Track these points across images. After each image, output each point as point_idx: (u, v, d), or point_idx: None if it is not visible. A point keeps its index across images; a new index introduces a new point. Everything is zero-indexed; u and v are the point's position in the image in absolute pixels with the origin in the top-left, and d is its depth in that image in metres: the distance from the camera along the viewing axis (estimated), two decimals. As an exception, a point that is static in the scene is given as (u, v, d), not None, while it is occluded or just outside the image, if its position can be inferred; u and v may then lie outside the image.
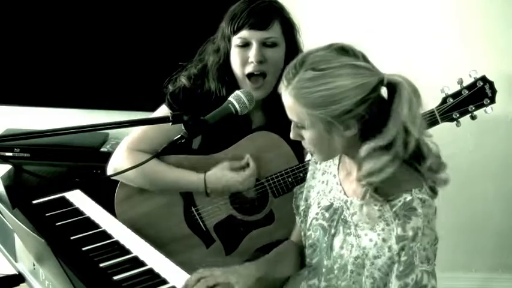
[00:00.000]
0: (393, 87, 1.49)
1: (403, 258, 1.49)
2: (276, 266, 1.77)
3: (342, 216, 1.62)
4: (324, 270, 1.67)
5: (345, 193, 1.64)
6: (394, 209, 1.50)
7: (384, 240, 1.52)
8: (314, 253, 1.71)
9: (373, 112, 1.48)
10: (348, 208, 1.61)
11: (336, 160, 1.71)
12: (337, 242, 1.62)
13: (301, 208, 1.80)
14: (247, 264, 1.74)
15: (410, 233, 1.48)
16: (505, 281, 3.16)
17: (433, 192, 1.56)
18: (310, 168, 1.81)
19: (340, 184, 1.66)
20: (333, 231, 1.64)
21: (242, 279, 1.64)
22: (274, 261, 1.78)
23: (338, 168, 1.70)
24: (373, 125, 1.49)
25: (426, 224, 1.48)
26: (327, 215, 1.66)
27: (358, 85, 1.45)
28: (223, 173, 2.01)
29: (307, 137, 1.54)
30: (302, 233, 1.79)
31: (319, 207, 1.69)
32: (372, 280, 1.55)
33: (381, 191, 1.51)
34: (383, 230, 1.53)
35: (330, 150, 1.57)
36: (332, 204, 1.66)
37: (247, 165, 2.02)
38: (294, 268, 1.82)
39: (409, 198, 1.50)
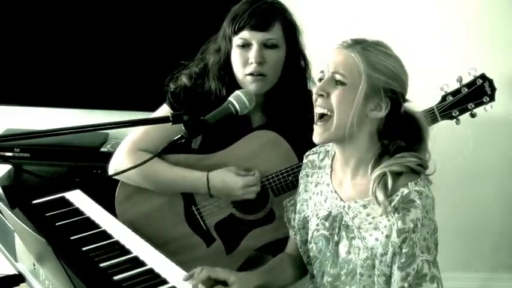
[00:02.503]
0: (413, 117, 1.61)
1: (404, 250, 1.51)
2: (272, 276, 1.79)
3: (343, 222, 1.63)
4: (330, 279, 1.67)
5: (341, 199, 1.66)
6: (393, 204, 1.53)
7: (387, 236, 1.54)
8: (315, 265, 1.72)
9: (397, 117, 1.59)
10: (347, 213, 1.63)
11: (328, 169, 1.73)
12: (342, 248, 1.63)
13: (295, 221, 1.81)
14: (246, 272, 1.79)
15: (411, 225, 1.50)
16: (505, 281, 3.17)
17: (427, 180, 1.60)
18: (301, 182, 1.82)
19: (336, 192, 1.68)
20: (336, 238, 1.65)
21: (241, 283, 1.67)
22: (271, 272, 1.80)
23: (331, 177, 1.71)
24: (391, 133, 1.60)
25: (425, 215, 1.51)
26: (327, 224, 1.67)
27: (407, 80, 1.60)
28: (227, 175, 2.01)
29: (339, 94, 1.56)
30: (299, 245, 1.80)
31: (318, 218, 1.70)
32: (384, 278, 1.57)
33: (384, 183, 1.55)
34: (385, 226, 1.54)
35: (344, 122, 1.56)
36: (330, 212, 1.67)
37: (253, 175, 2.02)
38: (291, 279, 1.84)
39: (406, 191, 1.53)
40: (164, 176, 2.04)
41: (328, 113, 1.58)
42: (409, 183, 1.54)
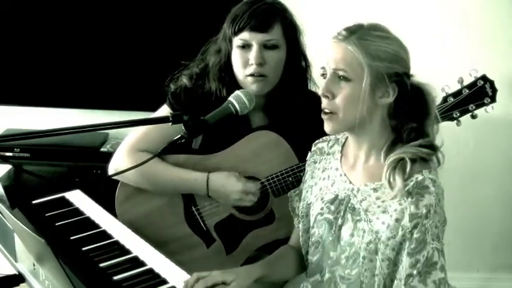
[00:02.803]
0: (419, 89, 1.61)
1: (415, 236, 1.52)
2: (275, 268, 1.78)
3: (349, 205, 1.64)
4: (329, 262, 1.68)
5: (350, 182, 1.66)
6: (406, 188, 1.54)
7: (397, 220, 1.54)
8: (316, 250, 1.72)
9: (405, 96, 1.59)
10: (355, 196, 1.63)
11: (338, 155, 1.73)
12: (346, 231, 1.64)
13: (300, 209, 1.81)
14: (246, 265, 1.77)
15: (424, 211, 1.51)
16: (506, 281, 3.16)
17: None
18: (308, 169, 1.82)
19: (345, 175, 1.68)
20: (339, 222, 1.65)
21: (240, 278, 1.65)
22: (273, 263, 1.79)
23: (341, 162, 1.72)
24: (402, 114, 1.61)
25: (437, 203, 1.53)
26: (332, 207, 1.67)
27: (408, 57, 1.61)
28: (228, 178, 2.01)
29: (345, 92, 1.57)
30: (301, 233, 1.79)
31: (323, 202, 1.70)
32: (387, 262, 1.57)
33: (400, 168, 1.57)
34: (395, 210, 1.55)
35: (352, 116, 1.58)
36: (337, 196, 1.67)
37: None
38: (293, 271, 1.83)
39: (420, 177, 1.55)
40: (163, 176, 2.04)
41: (339, 110, 1.59)
42: (423, 171, 1.56)
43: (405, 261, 1.53)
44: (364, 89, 1.55)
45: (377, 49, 1.56)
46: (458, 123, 2.01)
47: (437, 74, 2.52)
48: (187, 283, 1.60)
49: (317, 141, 1.84)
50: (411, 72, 1.63)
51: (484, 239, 3.14)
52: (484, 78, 2.00)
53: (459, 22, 2.89)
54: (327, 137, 1.81)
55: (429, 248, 1.52)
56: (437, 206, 1.53)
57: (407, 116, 1.61)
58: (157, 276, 1.65)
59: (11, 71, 3.04)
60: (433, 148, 1.60)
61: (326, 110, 1.61)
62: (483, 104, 2.00)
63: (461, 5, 2.88)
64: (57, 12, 2.96)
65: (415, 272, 1.52)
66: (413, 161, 1.56)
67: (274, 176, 2.02)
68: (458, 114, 2.00)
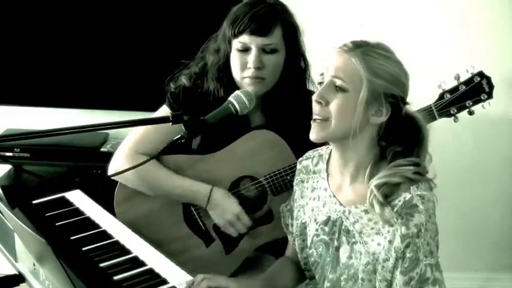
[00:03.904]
0: (412, 118, 1.60)
1: (408, 255, 1.51)
2: (276, 281, 1.78)
3: (343, 227, 1.62)
4: (328, 284, 1.67)
5: (340, 204, 1.65)
6: (395, 209, 1.52)
7: (390, 242, 1.53)
8: (315, 270, 1.72)
9: (397, 121, 1.58)
10: (348, 218, 1.62)
11: (324, 174, 1.72)
12: (343, 253, 1.63)
13: (293, 227, 1.81)
14: (247, 280, 1.82)
15: (414, 230, 1.50)
16: (505, 281, 3.16)
17: (429, 183, 1.59)
18: (296, 188, 1.81)
19: (334, 196, 1.67)
20: (336, 243, 1.64)
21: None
22: (274, 277, 1.80)
23: (328, 182, 1.70)
24: (391, 136, 1.59)
25: (428, 219, 1.51)
26: (326, 229, 1.66)
27: (408, 84, 1.59)
28: (229, 197, 2.02)
29: (339, 101, 1.55)
30: (297, 250, 1.79)
31: (317, 223, 1.69)
32: (385, 283, 1.56)
33: (382, 193, 1.54)
34: (388, 232, 1.54)
35: (343, 127, 1.55)
36: (329, 217, 1.66)
37: None
38: (293, 282, 1.84)
39: (408, 196, 1.52)
40: (165, 183, 2.03)
41: (330, 118, 1.57)
42: (411, 188, 1.53)
43: (398, 279, 1.53)
44: (360, 102, 1.53)
45: (379, 67, 1.54)
46: (456, 120, 2.01)
47: (434, 70, 2.54)
48: (192, 282, 1.61)
49: (300, 158, 1.82)
50: (408, 97, 1.62)
51: (484, 239, 3.14)
52: (480, 74, 2.00)
53: (457, 20, 2.89)
54: (309, 153, 1.79)
55: (422, 265, 1.51)
56: (428, 223, 1.51)
57: (396, 140, 1.59)
58: (158, 276, 1.65)
59: (11, 71, 3.04)
60: (420, 168, 1.57)
61: (317, 117, 1.58)
62: (480, 100, 2.00)
63: (460, 4, 2.88)
64: (57, 12, 2.96)
65: None
66: (395, 185, 1.54)
67: (272, 174, 2.02)
68: (455, 111, 2.00)
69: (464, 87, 1.99)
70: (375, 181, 1.55)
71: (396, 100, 1.57)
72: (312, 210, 1.72)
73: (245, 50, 1.97)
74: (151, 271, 1.67)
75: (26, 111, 3.09)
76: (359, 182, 1.62)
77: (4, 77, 3.05)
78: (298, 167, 1.82)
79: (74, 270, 1.44)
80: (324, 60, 1.61)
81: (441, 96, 2.00)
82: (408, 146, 1.59)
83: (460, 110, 2.00)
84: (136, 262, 1.71)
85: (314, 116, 1.59)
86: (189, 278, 1.65)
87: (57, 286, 1.44)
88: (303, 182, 1.79)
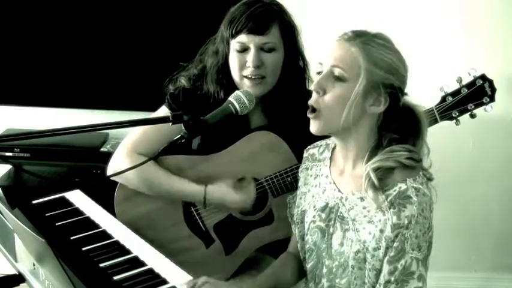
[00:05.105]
0: (410, 109, 1.60)
1: (395, 244, 1.52)
2: (277, 279, 1.79)
3: (338, 213, 1.63)
4: (325, 270, 1.67)
5: (339, 190, 1.66)
6: (389, 198, 1.53)
7: (381, 231, 1.54)
8: (310, 257, 1.72)
9: (395, 111, 1.58)
10: (344, 204, 1.63)
11: (327, 161, 1.73)
12: (336, 239, 1.64)
13: (295, 216, 1.81)
14: (251, 279, 1.80)
15: (405, 221, 1.51)
16: (505, 281, 3.16)
17: (428, 178, 1.60)
18: (301, 175, 1.82)
19: (334, 183, 1.68)
20: (331, 230, 1.65)
21: None
22: (276, 273, 1.80)
23: (330, 169, 1.71)
24: (390, 126, 1.60)
25: (420, 212, 1.51)
26: (323, 215, 1.67)
27: (406, 75, 1.60)
28: (225, 190, 2.01)
29: (337, 92, 1.55)
30: (297, 239, 1.80)
31: (315, 209, 1.70)
32: (375, 272, 1.57)
33: (376, 177, 1.55)
34: (379, 220, 1.55)
35: (337, 118, 1.56)
36: (327, 204, 1.67)
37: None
38: (295, 278, 1.84)
39: (403, 187, 1.53)
40: (163, 184, 2.03)
41: (327, 109, 1.57)
42: (407, 179, 1.54)
43: (385, 268, 1.54)
44: (357, 91, 1.54)
45: (379, 57, 1.55)
46: (458, 123, 2.01)
47: (436, 73, 2.54)
48: (194, 283, 1.61)
49: (308, 147, 1.84)
50: (407, 84, 1.62)
51: (484, 239, 3.13)
52: (483, 77, 2.00)
53: (459, 22, 2.89)
54: (318, 142, 1.80)
55: (407, 257, 1.52)
56: (419, 216, 1.51)
57: (395, 130, 1.60)
58: (157, 276, 1.65)
59: (11, 71, 3.05)
60: (410, 150, 1.57)
61: (312, 106, 1.59)
62: (482, 104, 2.00)
63: (461, 5, 2.88)
64: (57, 12, 2.96)
65: (392, 279, 1.53)
66: (389, 169, 1.55)
67: (273, 176, 2.02)
68: (457, 114, 2.00)
69: (466, 90, 1.99)
70: (370, 165, 1.56)
71: (395, 90, 1.58)
72: (313, 196, 1.73)
73: (244, 50, 1.97)
74: (151, 271, 1.67)
75: (26, 111, 3.09)
76: (358, 170, 1.63)
77: (4, 77, 3.05)
78: (305, 154, 1.83)
79: (73, 270, 1.44)
80: (321, 54, 1.62)
81: (443, 99, 2.00)
82: (405, 135, 1.60)
83: (462, 113, 2.00)
84: (136, 262, 1.71)
85: (310, 103, 1.59)
86: (189, 278, 1.65)
87: (57, 286, 1.44)
88: (307, 169, 1.80)
